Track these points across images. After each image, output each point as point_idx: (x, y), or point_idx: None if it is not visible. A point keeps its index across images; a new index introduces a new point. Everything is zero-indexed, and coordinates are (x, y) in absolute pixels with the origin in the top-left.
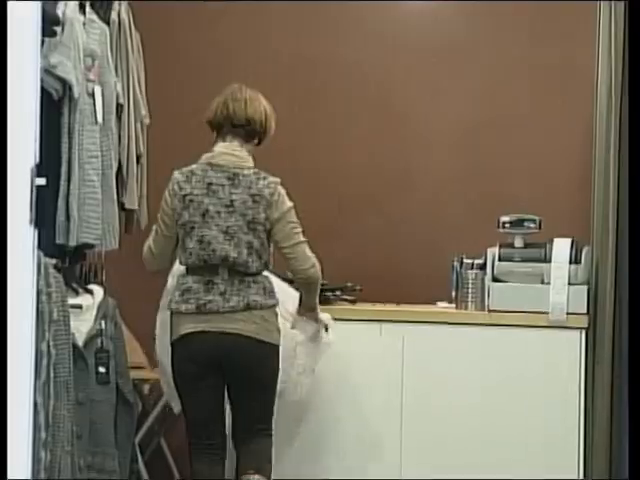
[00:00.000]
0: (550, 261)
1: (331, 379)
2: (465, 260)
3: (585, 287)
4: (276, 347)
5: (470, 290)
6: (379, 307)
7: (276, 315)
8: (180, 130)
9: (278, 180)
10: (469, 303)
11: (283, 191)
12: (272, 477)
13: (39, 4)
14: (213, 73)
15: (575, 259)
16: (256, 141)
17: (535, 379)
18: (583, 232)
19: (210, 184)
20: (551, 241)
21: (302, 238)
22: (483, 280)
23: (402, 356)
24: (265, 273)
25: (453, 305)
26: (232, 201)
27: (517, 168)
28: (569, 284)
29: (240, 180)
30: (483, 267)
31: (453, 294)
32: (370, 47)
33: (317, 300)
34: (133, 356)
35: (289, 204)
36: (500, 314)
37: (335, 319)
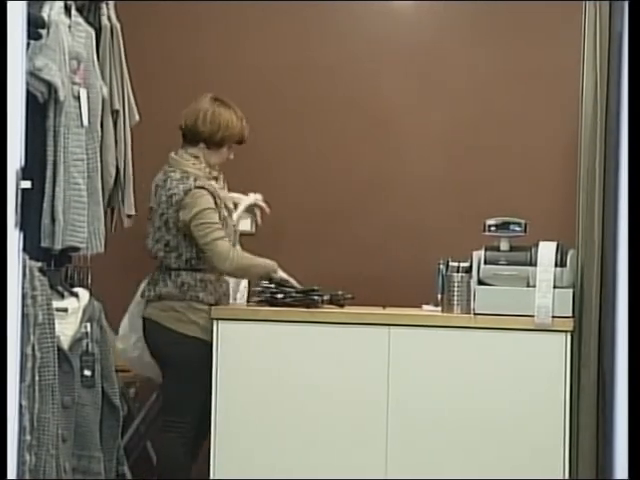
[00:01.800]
0: (535, 264)
1: (317, 382)
2: (451, 263)
3: (570, 290)
4: (184, 337)
5: (456, 293)
6: (365, 310)
7: (192, 309)
8: (159, 133)
9: (199, 183)
10: (455, 306)
11: (200, 194)
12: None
13: (24, 6)
14: (193, 79)
15: (560, 262)
16: (202, 145)
17: (521, 382)
18: (568, 236)
19: (156, 185)
20: (536, 244)
21: (216, 235)
22: (469, 283)
23: (388, 359)
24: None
25: (439, 308)
26: (159, 202)
27: (503, 172)
28: (554, 287)
29: (167, 182)
30: (469, 270)
31: (439, 297)
32: (353, 51)
33: (259, 273)
34: (119, 359)
35: (203, 206)
36: (486, 317)
37: (322, 322)
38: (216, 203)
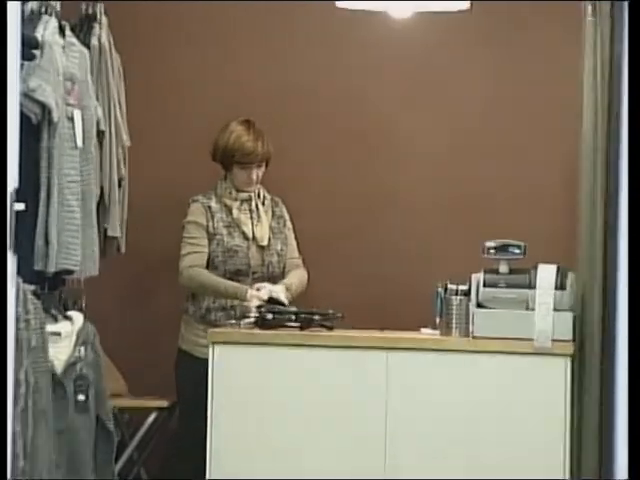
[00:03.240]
0: (535, 287)
1: (314, 407)
2: (449, 286)
3: (570, 313)
4: (178, 349)
5: (454, 316)
6: (362, 333)
7: (184, 322)
8: (161, 152)
9: (196, 197)
10: (453, 329)
11: (191, 206)
12: None
13: (19, 27)
14: (195, 97)
15: (560, 285)
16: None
17: (520, 407)
18: (568, 258)
19: None
20: (536, 267)
21: (183, 251)
22: (467, 306)
23: (386, 383)
24: None
25: (437, 331)
26: None
27: (502, 193)
28: (554, 310)
29: None
30: (467, 293)
31: (437, 320)
32: (355, 68)
33: (225, 295)
34: (113, 384)
35: (187, 218)
36: (484, 340)
37: (319, 345)
38: (206, 215)
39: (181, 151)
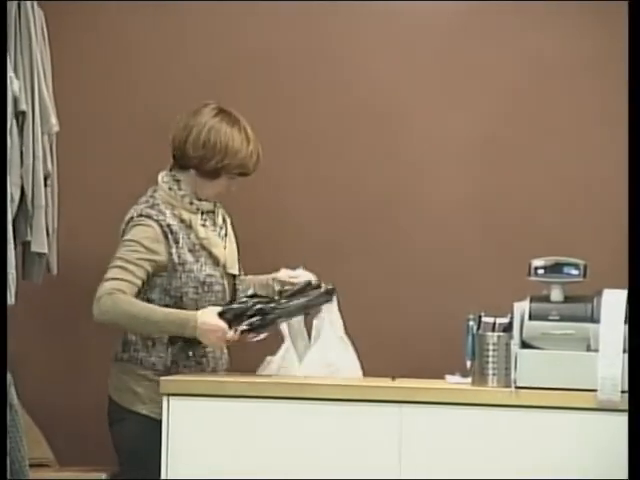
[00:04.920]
0: (599, 320)
1: (306, 477)
2: (484, 319)
3: None
4: (127, 411)
5: (491, 359)
6: (369, 382)
7: (135, 375)
8: (94, 141)
9: (146, 212)
10: (490, 377)
11: (138, 222)
12: None
13: None
14: (143, 71)
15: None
16: (193, 171)
17: (578, 477)
18: None
19: None
20: (600, 293)
21: (107, 275)
22: (509, 345)
23: (399, 447)
24: None
25: (468, 380)
26: None
27: (551, 197)
28: (625, 352)
29: None
30: (508, 328)
31: (468, 365)
32: (364, 51)
33: (152, 326)
34: (35, 451)
35: (130, 237)
36: (531, 392)
37: (310, 399)
38: (167, 238)
39: (128, 141)
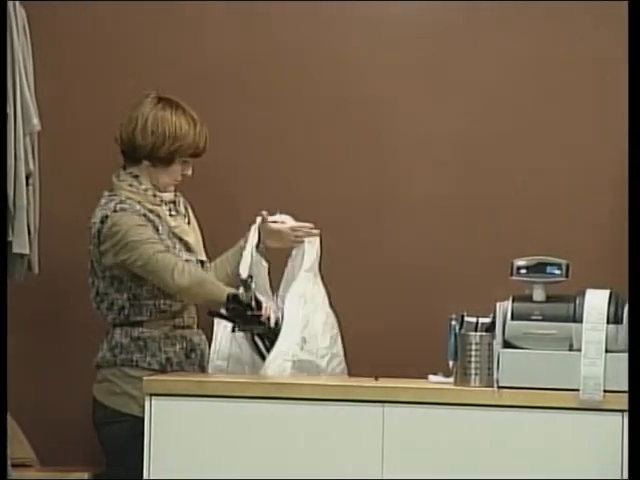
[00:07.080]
0: (581, 320)
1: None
2: (467, 318)
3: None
4: (118, 414)
5: (473, 359)
6: (352, 382)
7: (126, 377)
8: (77, 140)
9: (120, 206)
10: (472, 377)
11: (120, 215)
12: None
13: None
14: (125, 66)
15: (614, 318)
16: (146, 162)
17: (560, 476)
18: (623, 281)
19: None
20: (582, 293)
21: (152, 250)
22: (491, 345)
23: (382, 447)
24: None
25: (451, 379)
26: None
27: (534, 196)
28: (607, 351)
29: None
30: (491, 328)
31: (451, 365)
32: (349, 46)
33: (213, 293)
34: (16, 451)
35: (125, 226)
36: (513, 391)
37: (291, 398)
38: (157, 231)
39: (110, 140)
